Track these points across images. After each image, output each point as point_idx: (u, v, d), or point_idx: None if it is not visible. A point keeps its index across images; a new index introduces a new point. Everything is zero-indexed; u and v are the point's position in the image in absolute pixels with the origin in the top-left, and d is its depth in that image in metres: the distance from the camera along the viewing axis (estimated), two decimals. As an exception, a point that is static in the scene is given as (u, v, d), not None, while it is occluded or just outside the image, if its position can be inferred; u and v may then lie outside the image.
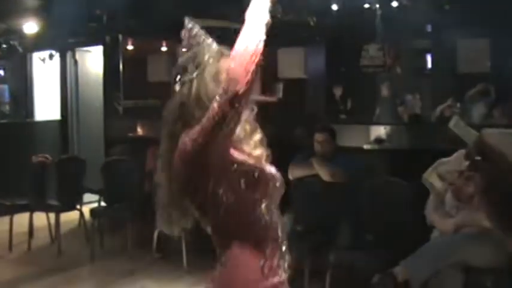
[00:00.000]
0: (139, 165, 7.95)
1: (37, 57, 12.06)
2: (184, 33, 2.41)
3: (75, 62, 11.69)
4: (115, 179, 8.04)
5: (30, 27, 10.90)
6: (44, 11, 10.68)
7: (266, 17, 2.22)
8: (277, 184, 2.38)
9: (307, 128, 7.15)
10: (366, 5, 10.44)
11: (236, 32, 2.19)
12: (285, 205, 2.49)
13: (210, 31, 2.45)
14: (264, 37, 2.19)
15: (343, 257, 5.67)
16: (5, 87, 12.63)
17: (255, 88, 2.27)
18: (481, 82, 9.80)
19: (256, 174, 2.28)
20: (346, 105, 12.26)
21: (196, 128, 2.19)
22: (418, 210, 5.32)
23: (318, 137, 6.34)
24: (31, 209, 8.17)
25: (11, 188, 8.78)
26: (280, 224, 2.42)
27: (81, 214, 8.28)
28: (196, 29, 2.41)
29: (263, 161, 2.39)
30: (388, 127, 8.28)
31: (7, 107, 12.71)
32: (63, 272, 7.20)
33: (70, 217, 8.53)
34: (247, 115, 2.38)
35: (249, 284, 2.31)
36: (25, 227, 8.14)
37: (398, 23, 10.85)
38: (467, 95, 9.87)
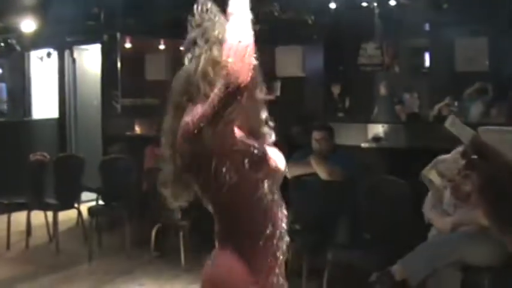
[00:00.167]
0: (137, 163, 7.95)
1: (35, 55, 12.06)
2: (196, 8, 2.40)
3: (73, 60, 11.68)
4: (113, 178, 8.04)
5: (28, 25, 10.89)
6: (41, 10, 10.67)
7: (248, 9, 2.24)
8: (279, 164, 2.42)
9: (305, 126, 7.16)
10: (364, 4, 10.44)
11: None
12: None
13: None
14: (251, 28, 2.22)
15: (341, 256, 5.67)
16: (3, 85, 12.62)
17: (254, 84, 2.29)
18: (479, 81, 9.81)
19: (258, 154, 2.31)
20: (344, 103, 12.26)
21: (199, 111, 2.22)
22: (416, 209, 5.32)
23: (316, 135, 6.35)
24: (29, 207, 8.17)
25: (9, 186, 8.77)
26: (282, 205, 2.46)
27: (79, 213, 8.26)
28: (209, 5, 2.41)
29: (266, 140, 2.44)
30: (386, 126, 8.29)
31: (5, 106, 12.70)
32: (61, 271, 7.19)
33: (68, 215, 8.53)
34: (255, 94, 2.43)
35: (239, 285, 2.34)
36: (23, 226, 8.14)
37: (396, 22, 10.85)
38: (465, 94, 9.88)
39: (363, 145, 7.69)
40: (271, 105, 2.53)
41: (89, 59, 11.83)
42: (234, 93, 2.12)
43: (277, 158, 2.42)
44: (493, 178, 1.07)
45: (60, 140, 11.65)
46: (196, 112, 2.24)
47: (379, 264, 5.07)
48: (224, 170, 2.24)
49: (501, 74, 10.11)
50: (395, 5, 9.88)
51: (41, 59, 11.85)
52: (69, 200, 8.13)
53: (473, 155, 1.11)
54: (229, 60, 2.13)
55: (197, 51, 2.40)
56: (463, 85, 10.01)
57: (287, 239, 2.47)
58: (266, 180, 2.35)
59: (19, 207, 8.25)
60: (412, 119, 10.11)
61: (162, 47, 12.49)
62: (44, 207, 8.18)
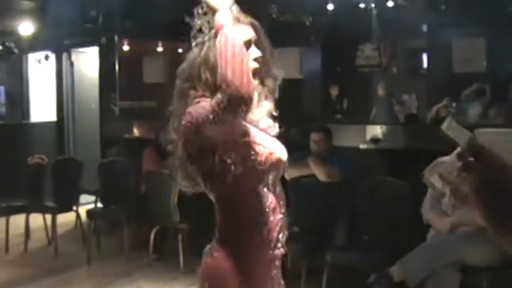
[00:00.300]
0: (136, 166, 7.94)
1: (33, 58, 12.06)
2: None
3: (71, 63, 11.68)
4: (111, 180, 8.03)
5: (26, 28, 10.90)
6: (39, 12, 10.69)
7: (231, 23, 2.26)
8: (283, 156, 2.45)
9: (303, 127, 7.15)
10: (362, 5, 10.46)
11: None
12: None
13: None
14: (241, 38, 2.24)
15: (339, 257, 5.67)
16: (1, 88, 12.60)
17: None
18: (477, 82, 9.82)
19: (261, 149, 2.34)
20: (342, 105, 12.28)
21: (200, 110, 2.25)
22: (415, 210, 5.32)
23: (314, 136, 6.35)
24: (27, 210, 8.15)
25: (7, 189, 8.77)
26: (283, 197, 2.50)
27: (78, 215, 8.26)
28: None
29: (270, 132, 2.47)
30: (384, 127, 8.28)
31: (3, 108, 12.68)
32: (60, 274, 7.18)
33: (67, 218, 8.52)
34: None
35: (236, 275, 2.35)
36: (21, 229, 8.12)
37: (394, 23, 10.87)
38: (463, 95, 9.89)
39: (361, 146, 7.68)
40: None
41: (87, 61, 11.83)
42: (237, 106, 2.15)
43: (280, 149, 2.45)
44: (490, 180, 1.08)
45: (58, 143, 11.65)
46: (198, 110, 2.27)
47: (378, 266, 5.07)
48: (229, 161, 2.28)
49: (498, 75, 10.14)
50: (392, 6, 9.89)
51: (39, 61, 11.85)
52: (67, 203, 8.12)
53: (469, 157, 1.12)
54: (228, 74, 2.14)
55: (201, 38, 2.44)
56: (461, 86, 10.02)
57: (286, 232, 2.51)
58: (271, 172, 2.40)
59: (18, 210, 8.23)
60: (410, 120, 10.11)
61: (160, 49, 12.50)
62: (43, 210, 8.18)
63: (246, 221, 2.39)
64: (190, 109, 2.31)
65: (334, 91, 12.25)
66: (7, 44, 11.44)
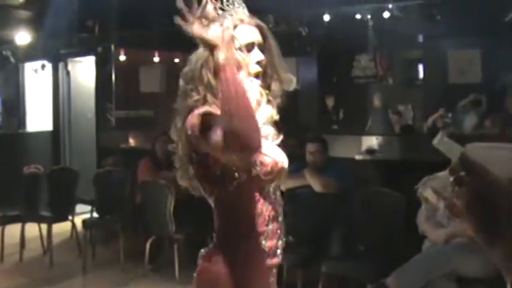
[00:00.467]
0: (132, 176, 7.94)
1: (29, 67, 12.07)
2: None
3: (68, 72, 11.69)
4: (107, 190, 8.02)
5: (23, 37, 10.93)
6: (36, 22, 10.71)
7: (234, 61, 2.23)
8: (285, 164, 2.43)
9: (299, 138, 7.15)
10: (358, 16, 10.47)
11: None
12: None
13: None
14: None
15: (335, 268, 5.67)
16: (-3, 97, 12.63)
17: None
18: (473, 92, 9.84)
19: (266, 159, 2.31)
20: (338, 115, 12.29)
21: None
22: (410, 221, 5.33)
23: (310, 147, 6.34)
24: (23, 220, 8.14)
25: (3, 198, 8.76)
26: (281, 204, 2.51)
27: (73, 225, 8.24)
28: None
29: (269, 139, 2.44)
30: (380, 138, 8.31)
31: (-1, 117, 12.70)
32: (55, 284, 7.16)
33: (62, 228, 8.51)
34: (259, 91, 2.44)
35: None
36: (17, 238, 8.11)
37: (389, 34, 10.90)
38: (459, 105, 9.90)
39: (357, 157, 7.69)
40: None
41: (83, 71, 11.84)
42: (242, 155, 2.14)
43: (283, 158, 2.43)
44: (481, 194, 1.09)
45: (54, 153, 11.64)
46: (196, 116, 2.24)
47: (374, 276, 5.07)
48: (234, 168, 2.27)
49: (494, 86, 10.17)
50: (388, 17, 9.91)
51: (36, 71, 11.87)
52: (63, 213, 8.11)
53: (461, 172, 1.13)
54: (234, 127, 2.05)
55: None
56: (457, 97, 10.04)
57: (283, 240, 2.52)
58: (274, 180, 2.39)
59: (13, 220, 8.22)
60: (406, 131, 10.12)
61: (156, 59, 12.51)
62: (38, 220, 8.16)
63: (245, 228, 2.37)
64: (192, 119, 2.26)
65: (330, 102, 12.28)
66: (4, 52, 11.46)
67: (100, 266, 7.76)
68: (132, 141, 10.57)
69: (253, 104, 2.29)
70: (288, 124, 2.59)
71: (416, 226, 5.26)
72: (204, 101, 2.34)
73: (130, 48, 11.65)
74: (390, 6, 9.51)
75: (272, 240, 2.43)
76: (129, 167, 8.25)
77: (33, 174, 8.35)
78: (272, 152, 2.37)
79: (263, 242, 2.39)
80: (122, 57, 11.64)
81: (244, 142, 2.05)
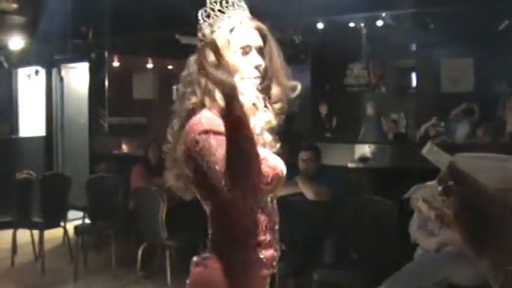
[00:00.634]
0: (124, 182, 7.93)
1: (23, 73, 12.05)
2: (209, 1, 2.37)
3: (61, 78, 11.67)
4: (99, 197, 8.01)
5: (16, 43, 10.91)
6: (30, 27, 10.70)
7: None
8: (284, 172, 2.38)
9: (292, 146, 7.17)
10: (351, 24, 10.51)
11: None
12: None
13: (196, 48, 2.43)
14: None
15: (327, 276, 5.67)
16: (-10, 102, 12.59)
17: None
18: (465, 101, 9.88)
19: (267, 170, 2.24)
20: (331, 123, 12.30)
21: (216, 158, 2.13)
22: (402, 229, 5.34)
23: (303, 155, 6.35)
24: (15, 225, 8.13)
25: (-5, 204, 8.75)
26: (277, 213, 2.49)
27: (65, 231, 8.22)
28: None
29: (268, 147, 2.40)
30: (372, 146, 8.31)
31: (-8, 123, 12.66)
32: (47, 290, 7.16)
33: (54, 234, 8.49)
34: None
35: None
36: (8, 244, 8.09)
37: (383, 42, 10.93)
38: (452, 114, 9.94)
39: (350, 165, 7.71)
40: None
41: (77, 77, 11.83)
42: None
43: (282, 166, 2.38)
44: (469, 204, 1.10)
45: (46, 158, 11.62)
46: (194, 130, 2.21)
47: (366, 284, 5.08)
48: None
49: (486, 95, 10.21)
50: (382, 26, 9.95)
51: (29, 76, 11.84)
52: (55, 219, 8.09)
53: (449, 181, 1.14)
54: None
55: (201, 43, 2.32)
56: (449, 105, 10.08)
57: (279, 250, 2.50)
58: (274, 190, 2.37)
59: (5, 226, 8.22)
60: (399, 139, 10.14)
61: (150, 66, 12.52)
62: (30, 226, 8.14)
63: (242, 237, 2.34)
64: (190, 135, 2.23)
65: (323, 109, 12.28)
66: (-3, 58, 11.43)
67: (92, 272, 7.75)
68: (125, 148, 10.56)
69: (249, 107, 2.25)
70: (281, 132, 2.55)
71: (409, 234, 5.27)
72: (202, 104, 2.30)
73: (123, 55, 11.66)
74: (383, 14, 9.54)
75: (269, 251, 2.40)
76: (122, 173, 8.25)
77: (26, 180, 8.33)
78: (271, 161, 2.32)
79: (261, 252, 2.36)
80: (116, 64, 11.64)
81: (245, 186, 2.05)
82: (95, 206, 8.05)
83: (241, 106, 2.01)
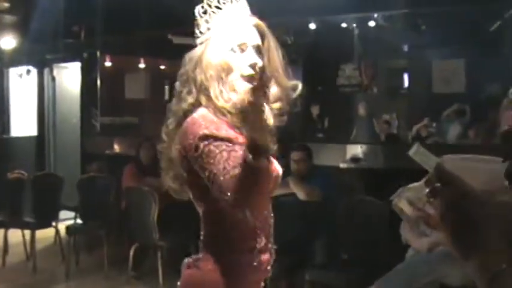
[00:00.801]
0: (116, 182, 7.92)
1: (14, 72, 12.02)
2: None
3: (53, 78, 11.66)
4: (91, 196, 8.00)
5: (8, 42, 10.88)
6: (21, 27, 10.67)
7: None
8: (279, 175, 2.38)
9: (284, 146, 7.17)
10: (343, 25, 10.53)
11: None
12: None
13: (190, 47, 2.42)
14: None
15: (318, 276, 5.68)
16: (-18, 102, 12.56)
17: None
18: (457, 102, 9.90)
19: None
20: (323, 124, 12.30)
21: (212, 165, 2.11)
22: (393, 230, 5.35)
23: (294, 155, 6.35)
24: (6, 225, 8.10)
25: (-14, 204, 8.71)
26: (272, 217, 2.47)
27: (57, 231, 8.20)
28: None
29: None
30: (364, 146, 8.31)
31: (-17, 123, 12.63)
32: (38, 290, 7.15)
33: (46, 234, 8.46)
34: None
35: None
36: (0, 244, 8.07)
37: (375, 43, 10.95)
38: (443, 115, 9.96)
39: (342, 165, 7.71)
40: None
41: (69, 77, 11.81)
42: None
43: (278, 168, 2.37)
44: (456, 206, 1.10)
45: (38, 158, 11.60)
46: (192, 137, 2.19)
47: (357, 285, 5.09)
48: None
49: (478, 96, 10.24)
50: (374, 27, 9.97)
51: (21, 76, 11.83)
52: (47, 219, 8.07)
53: (436, 183, 1.14)
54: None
55: (199, 40, 2.34)
56: (441, 106, 10.10)
57: (274, 252, 2.47)
58: (267, 192, 2.33)
59: (-4, 225, 8.19)
60: (391, 140, 10.15)
61: (142, 65, 12.49)
62: (22, 226, 8.12)
63: (237, 240, 2.31)
64: (187, 140, 2.20)
65: (315, 110, 12.28)
66: (-12, 58, 11.41)
67: (83, 273, 7.74)
68: (116, 147, 10.54)
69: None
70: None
71: (400, 235, 5.28)
72: (198, 103, 2.27)
73: (116, 55, 11.64)
74: (376, 15, 9.57)
75: (264, 255, 2.37)
76: (114, 173, 8.24)
77: (17, 180, 8.32)
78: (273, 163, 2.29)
79: (256, 256, 2.33)
80: (108, 63, 11.61)
81: (249, 202, 2.10)
82: (87, 206, 8.04)
83: (266, 162, 2.04)
